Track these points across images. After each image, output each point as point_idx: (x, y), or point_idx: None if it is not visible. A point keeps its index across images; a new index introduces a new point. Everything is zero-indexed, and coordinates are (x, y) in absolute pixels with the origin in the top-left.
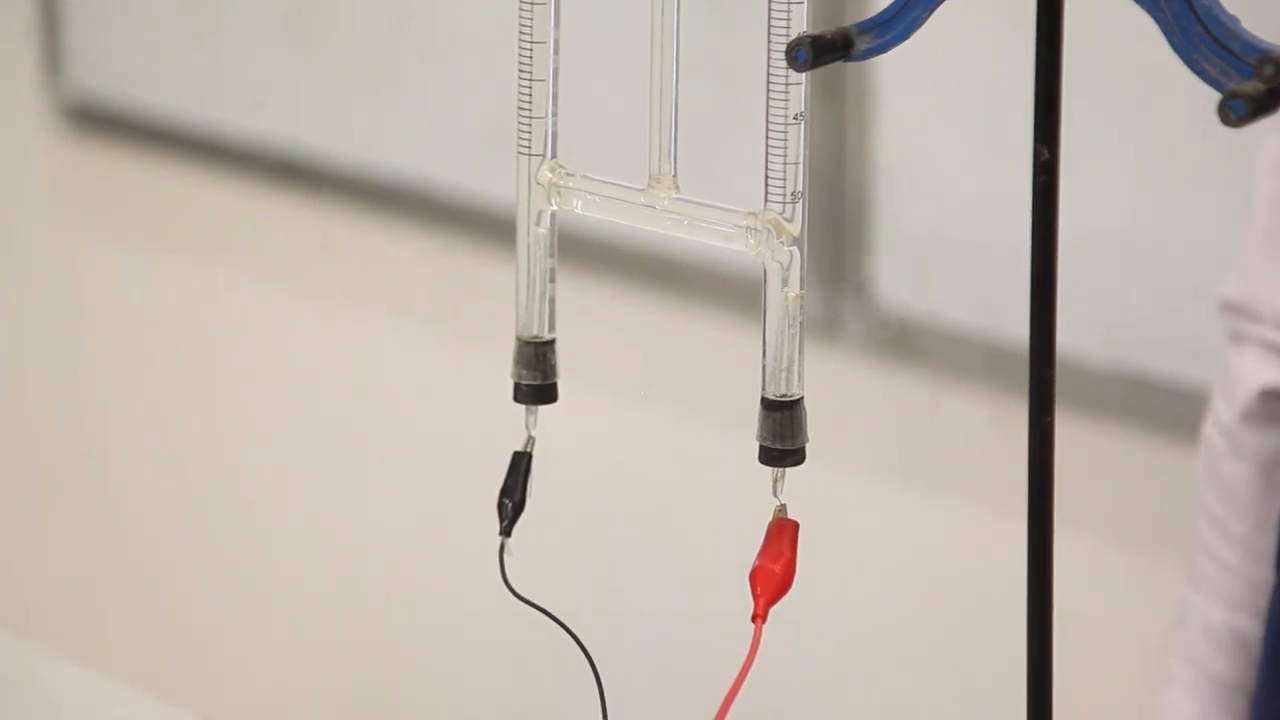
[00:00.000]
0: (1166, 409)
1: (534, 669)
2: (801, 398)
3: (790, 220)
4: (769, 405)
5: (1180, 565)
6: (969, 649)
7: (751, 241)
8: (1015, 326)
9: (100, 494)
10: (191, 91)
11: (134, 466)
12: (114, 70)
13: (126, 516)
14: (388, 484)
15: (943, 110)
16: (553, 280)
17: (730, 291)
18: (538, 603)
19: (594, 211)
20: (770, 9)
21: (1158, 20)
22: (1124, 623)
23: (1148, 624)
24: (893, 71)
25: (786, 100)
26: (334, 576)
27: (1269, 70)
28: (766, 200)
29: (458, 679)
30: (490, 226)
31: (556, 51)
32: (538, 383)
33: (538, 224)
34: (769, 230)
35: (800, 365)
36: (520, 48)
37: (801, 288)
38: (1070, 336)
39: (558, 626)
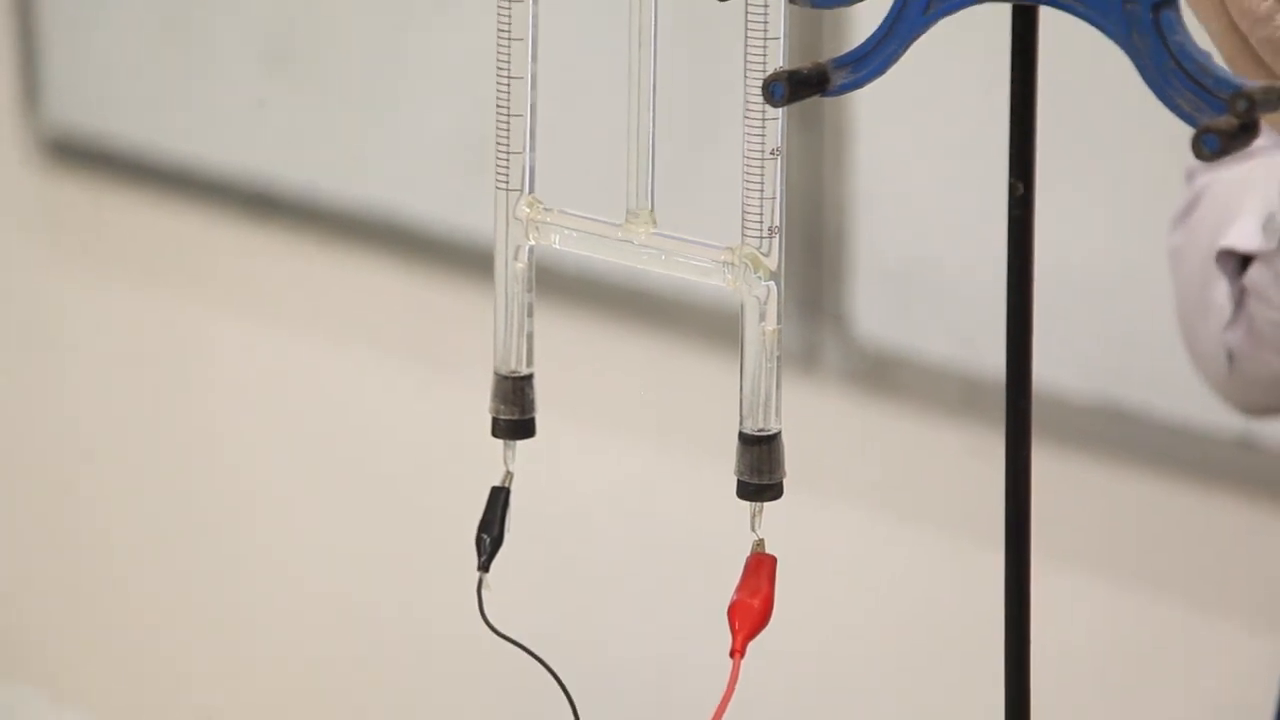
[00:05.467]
0: (1142, 440)
1: (511, 704)
2: (779, 432)
3: (767, 255)
4: (747, 440)
5: (1158, 594)
6: (947, 680)
7: (729, 276)
8: (992, 358)
9: (79, 527)
10: (170, 124)
11: (112, 498)
12: (92, 103)
13: (100, 547)
14: (366, 519)
15: (920, 144)
16: (531, 315)
17: (708, 325)
18: (515, 638)
19: (572, 246)
20: (747, 44)
21: (1132, 56)
22: (1102, 653)
23: (1125, 654)
24: (870, 105)
25: (763, 135)
26: (312, 611)
27: (1241, 105)
28: (743, 235)
29: (435, 714)
30: (468, 260)
31: (534, 87)
32: (516, 418)
33: (516, 259)
34: (746, 265)
35: (778, 399)
36: (498, 83)
37: (779, 322)
38: (1046, 368)
39: (535, 662)
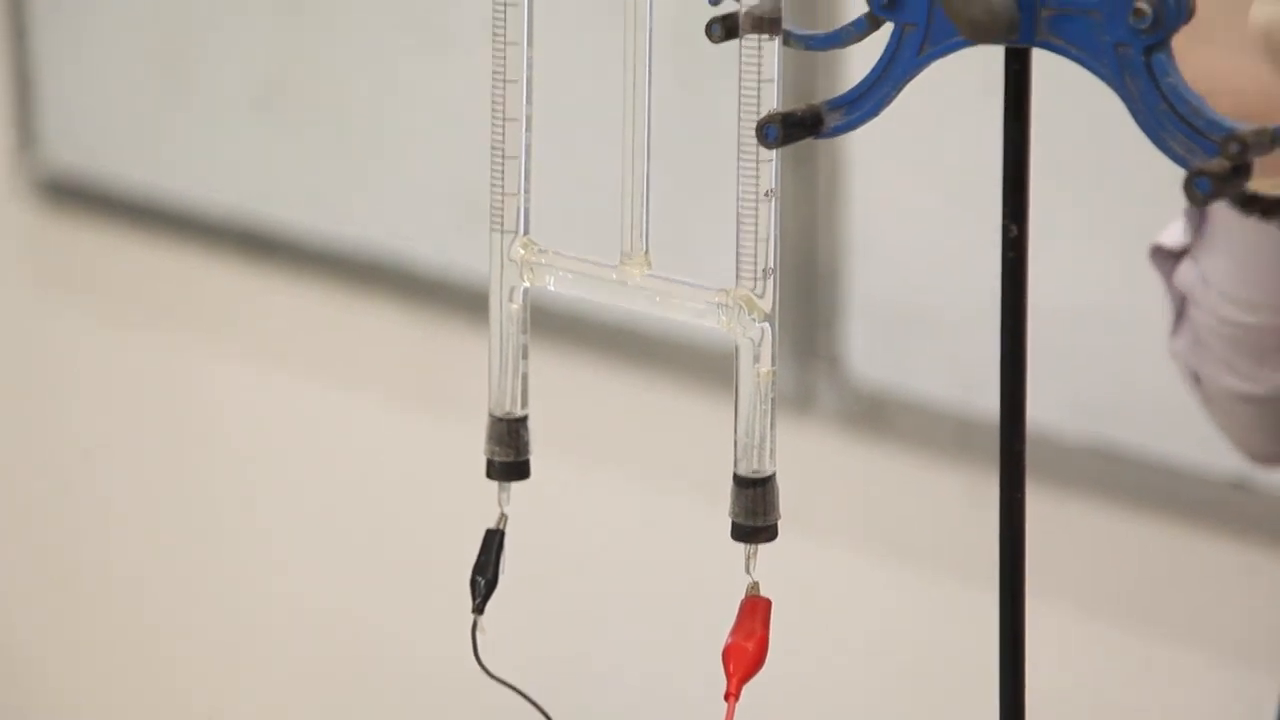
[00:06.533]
0: (1135, 481)
1: None
2: (773, 474)
3: (761, 296)
4: (741, 482)
5: (1153, 635)
6: None
7: (723, 318)
8: (986, 399)
9: (77, 569)
10: (165, 166)
11: (110, 539)
12: (88, 144)
13: (99, 589)
14: (360, 559)
15: (914, 185)
16: (525, 356)
17: (703, 366)
18: (509, 680)
19: (567, 288)
20: (741, 86)
21: (1124, 99)
22: (1096, 693)
23: (1119, 694)
24: (864, 146)
25: (757, 177)
26: (306, 652)
27: (1234, 148)
28: (738, 277)
29: None
30: (464, 302)
31: (529, 129)
32: (510, 459)
33: (510, 300)
34: (740, 307)
35: (772, 441)
36: (493, 125)
37: (773, 363)
38: (1040, 409)
39: (530, 705)
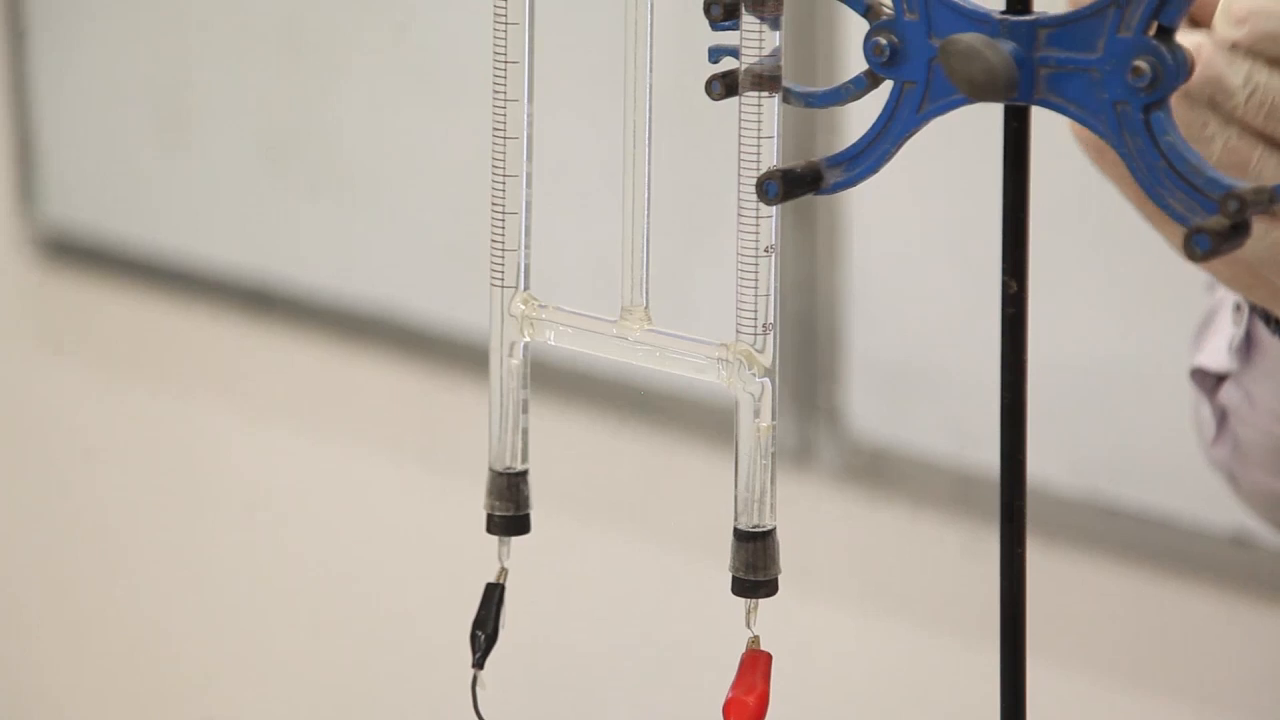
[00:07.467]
0: (1135, 536)
1: None
2: (774, 528)
3: (761, 351)
4: (741, 536)
5: (1152, 692)
6: None
7: (723, 373)
8: (987, 454)
9: (73, 627)
10: (166, 222)
11: (112, 597)
12: (88, 202)
13: (103, 648)
14: (360, 613)
15: (914, 239)
16: (526, 411)
17: (703, 421)
18: None
19: (567, 343)
20: (740, 142)
21: (1124, 156)
22: None
23: None
24: (864, 200)
25: (757, 233)
26: (307, 706)
27: (1233, 206)
28: (738, 332)
29: None
30: (464, 356)
31: (529, 185)
32: (510, 514)
33: (510, 355)
34: (741, 362)
35: (773, 496)
36: (493, 181)
37: (773, 418)
38: (1041, 465)
39: None
